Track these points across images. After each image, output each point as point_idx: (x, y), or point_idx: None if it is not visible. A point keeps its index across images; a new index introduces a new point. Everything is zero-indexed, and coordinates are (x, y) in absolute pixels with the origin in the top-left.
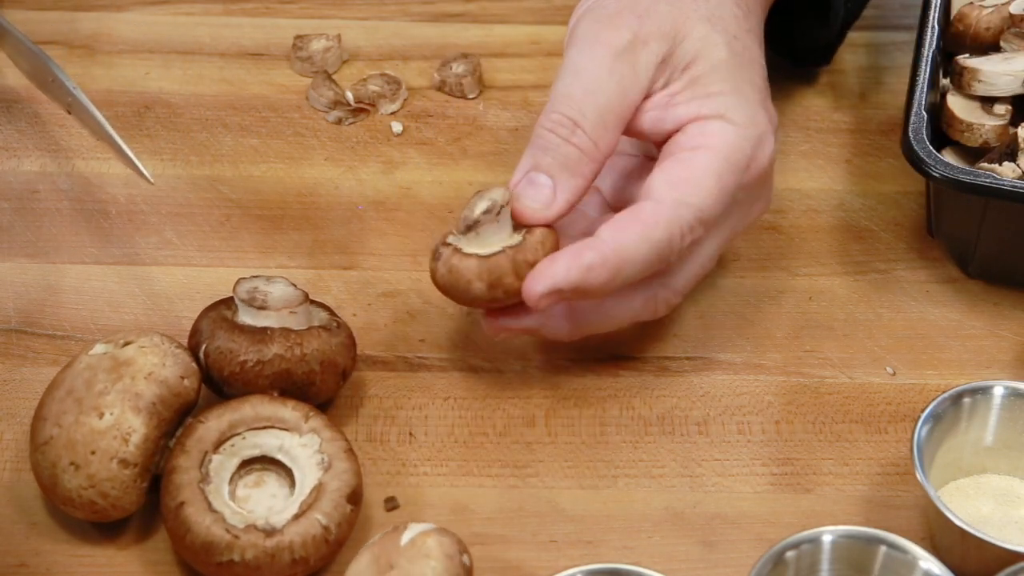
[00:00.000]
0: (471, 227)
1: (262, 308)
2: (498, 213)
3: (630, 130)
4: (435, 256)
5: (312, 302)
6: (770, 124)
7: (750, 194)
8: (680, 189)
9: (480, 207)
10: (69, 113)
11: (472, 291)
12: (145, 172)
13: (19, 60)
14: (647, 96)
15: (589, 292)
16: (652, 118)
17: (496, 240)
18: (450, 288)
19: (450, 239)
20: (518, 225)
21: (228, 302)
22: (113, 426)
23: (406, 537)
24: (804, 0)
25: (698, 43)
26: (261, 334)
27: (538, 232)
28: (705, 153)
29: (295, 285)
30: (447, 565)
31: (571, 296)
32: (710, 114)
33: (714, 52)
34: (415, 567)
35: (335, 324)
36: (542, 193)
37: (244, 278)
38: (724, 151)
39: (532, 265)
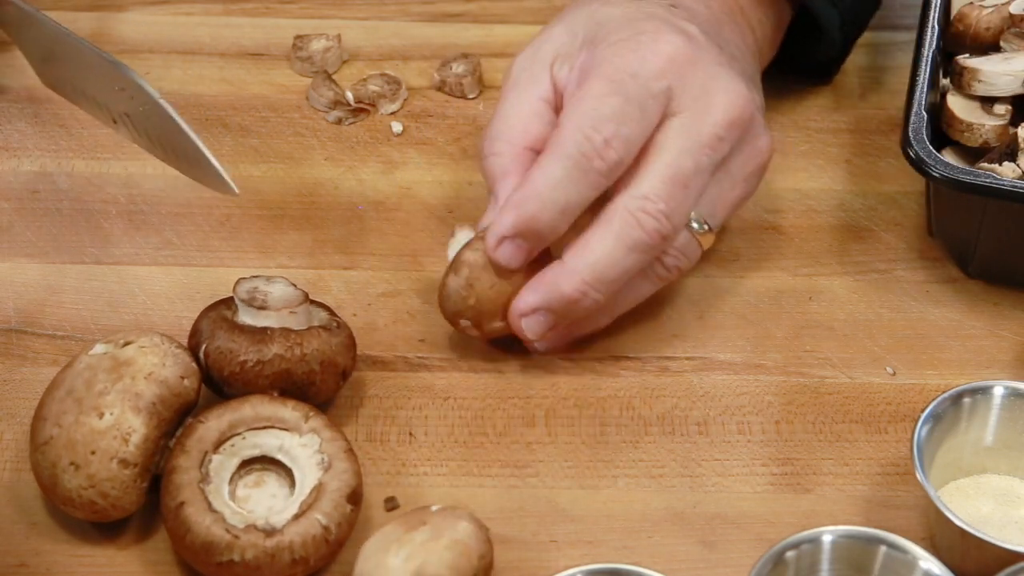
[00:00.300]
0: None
1: (262, 308)
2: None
3: None
4: (447, 285)
5: (312, 302)
6: (666, 24)
7: (685, 83)
8: (572, 105)
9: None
10: (114, 123)
11: (462, 329)
12: (231, 183)
13: (57, 64)
14: (559, 88)
15: (534, 228)
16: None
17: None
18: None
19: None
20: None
21: (228, 302)
22: (113, 426)
23: (435, 507)
24: (799, 22)
25: (584, 20)
26: (261, 334)
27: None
28: (592, 71)
29: (295, 285)
30: (476, 529)
31: (524, 239)
32: (598, 49)
33: (599, 14)
34: (447, 523)
35: (335, 324)
36: (490, 210)
37: (244, 278)
38: (607, 59)
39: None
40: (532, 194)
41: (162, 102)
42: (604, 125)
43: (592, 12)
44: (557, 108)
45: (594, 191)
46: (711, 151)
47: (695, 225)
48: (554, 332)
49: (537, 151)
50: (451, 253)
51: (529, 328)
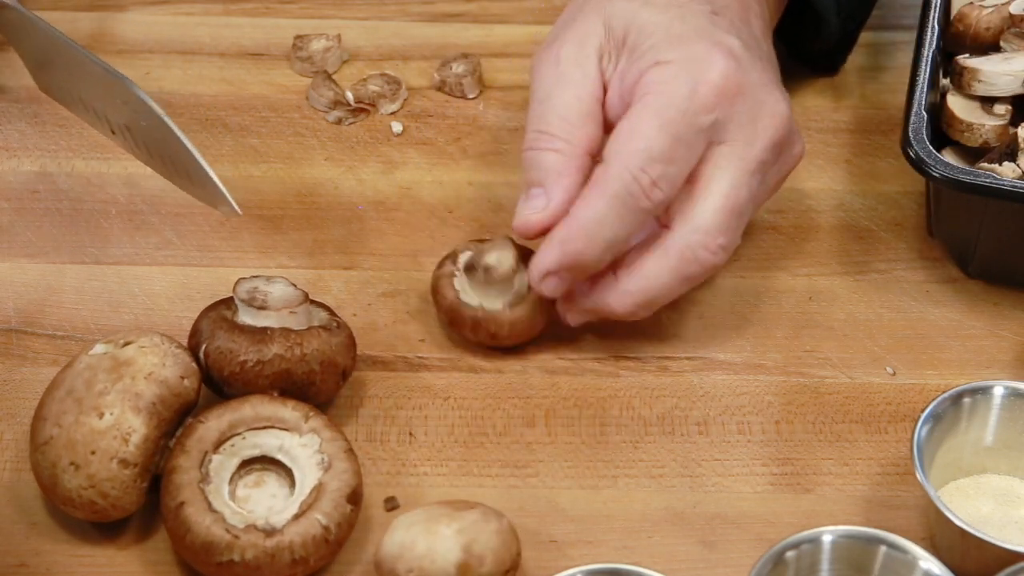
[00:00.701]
0: (484, 280)
1: (262, 308)
2: (514, 274)
3: (612, 124)
4: (441, 286)
5: (312, 302)
6: (715, 46)
7: (733, 112)
8: (622, 141)
9: (503, 264)
10: (113, 133)
11: (465, 335)
12: (233, 203)
13: (53, 71)
14: (606, 87)
15: (579, 264)
16: (616, 104)
17: (500, 297)
18: (448, 322)
19: (457, 275)
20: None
21: (228, 302)
22: (113, 426)
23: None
24: (799, 11)
25: (624, 19)
26: (261, 334)
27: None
28: (641, 100)
29: (295, 285)
30: (513, 529)
31: (568, 272)
32: (645, 67)
33: (641, 17)
34: (493, 515)
35: (335, 324)
36: (537, 202)
37: (244, 278)
38: (657, 89)
39: (526, 322)
40: (579, 232)
41: (166, 119)
42: (652, 167)
43: (633, 11)
44: (603, 104)
45: (639, 227)
46: (759, 174)
47: None
48: (582, 307)
49: (591, 153)
50: (499, 268)
51: (571, 321)
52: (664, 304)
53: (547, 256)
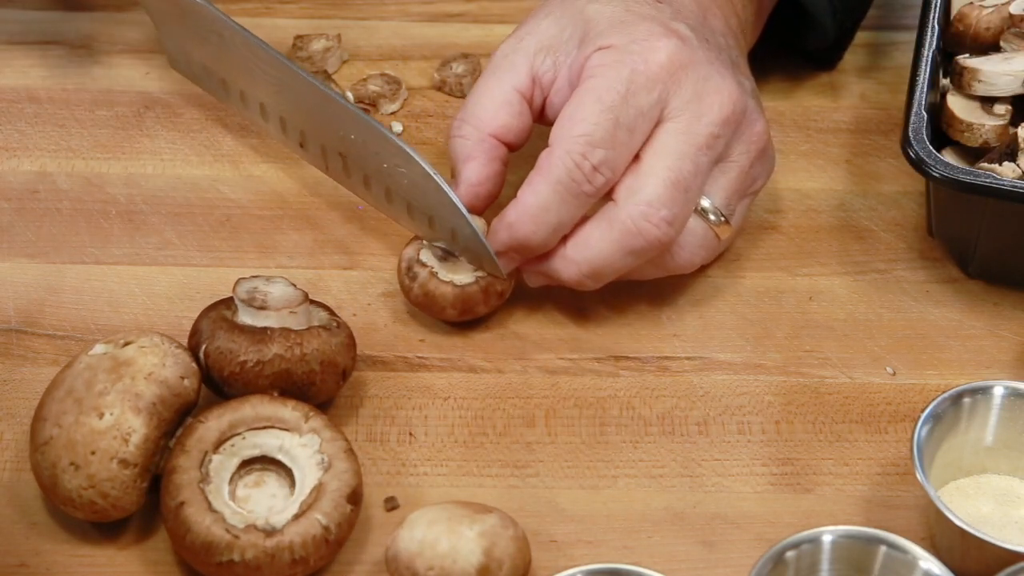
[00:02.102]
0: (448, 255)
1: (262, 308)
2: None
3: (554, 118)
4: (409, 274)
5: (312, 302)
6: (659, 28)
7: (677, 90)
8: (565, 126)
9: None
10: (302, 147)
11: (445, 315)
12: (501, 266)
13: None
14: (536, 79)
15: (526, 246)
16: (564, 91)
17: (469, 268)
18: (423, 307)
19: (423, 257)
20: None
21: (228, 302)
22: (113, 426)
23: None
24: (793, 9)
25: (573, 16)
26: (261, 334)
27: None
28: (584, 83)
29: (295, 285)
30: (526, 536)
31: (520, 251)
32: (589, 52)
33: (588, 11)
34: (510, 521)
35: (335, 324)
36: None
37: (244, 278)
38: (599, 72)
39: (501, 294)
40: (524, 216)
41: (437, 178)
42: (593, 152)
43: (581, 8)
44: (531, 100)
45: (583, 209)
46: (708, 150)
47: (712, 217)
48: (541, 270)
49: (501, 139)
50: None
51: (530, 282)
52: (614, 276)
53: (497, 238)
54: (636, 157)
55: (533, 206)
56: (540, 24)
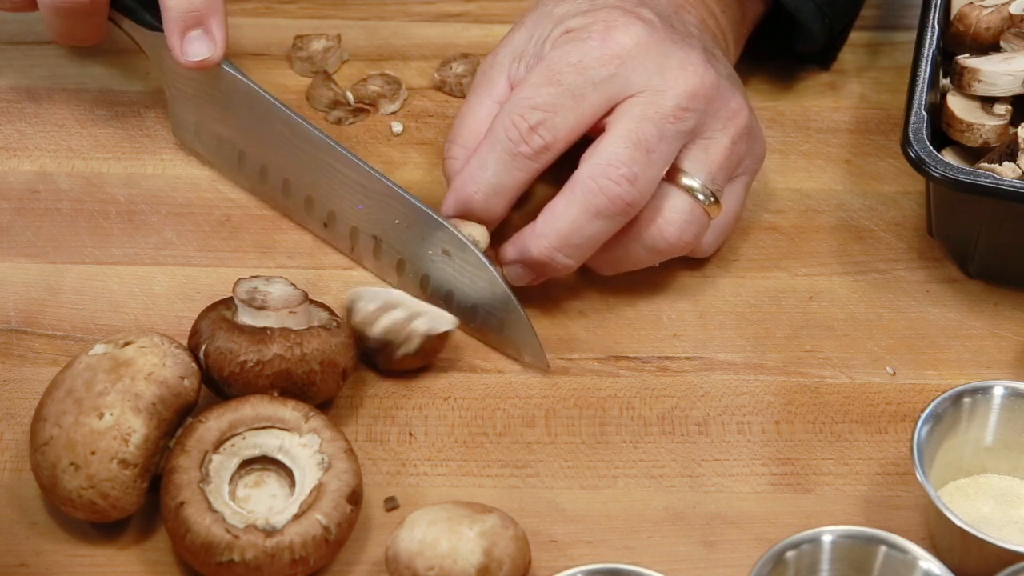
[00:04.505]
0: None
1: (262, 308)
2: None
3: None
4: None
5: (312, 302)
6: (622, 13)
7: (636, 66)
8: (511, 94)
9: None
10: (325, 227)
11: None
12: (547, 358)
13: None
14: (513, 84)
15: (470, 208)
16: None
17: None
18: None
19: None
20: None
21: (228, 302)
22: (113, 426)
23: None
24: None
25: (542, 21)
26: (261, 334)
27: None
28: (539, 61)
29: (295, 285)
30: (525, 536)
31: (468, 215)
32: (554, 36)
33: (556, 12)
34: (510, 521)
35: (335, 324)
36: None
37: (243, 278)
38: (551, 50)
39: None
40: (468, 177)
41: (493, 269)
42: (532, 113)
43: (550, 11)
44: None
45: (525, 174)
46: (675, 120)
47: (700, 196)
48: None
49: None
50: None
51: (512, 277)
52: (589, 246)
53: (446, 204)
54: (598, 129)
55: (474, 166)
56: (513, 36)
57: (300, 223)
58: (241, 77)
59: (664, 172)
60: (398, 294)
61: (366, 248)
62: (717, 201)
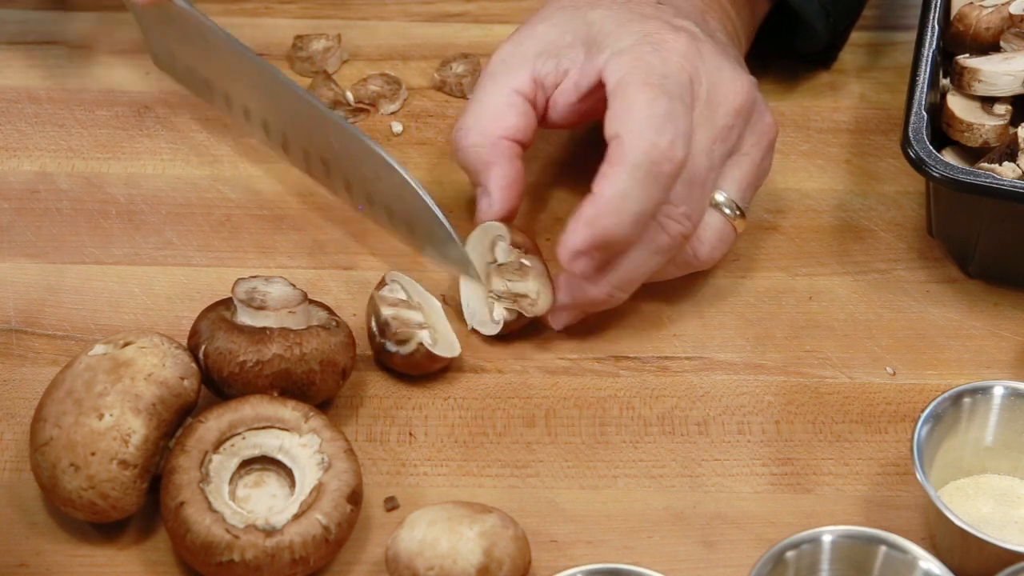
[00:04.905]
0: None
1: (261, 308)
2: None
3: (557, 120)
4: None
5: (311, 302)
6: (665, 25)
7: (693, 77)
8: (622, 117)
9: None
10: (284, 150)
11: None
12: (480, 273)
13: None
14: (539, 81)
15: (609, 240)
16: (571, 92)
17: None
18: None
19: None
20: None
21: (227, 303)
22: (113, 427)
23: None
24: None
25: (574, 22)
26: (260, 334)
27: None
28: (618, 83)
29: (294, 285)
30: (525, 536)
31: (600, 249)
32: (608, 56)
33: (590, 16)
34: (510, 521)
35: (334, 323)
36: (482, 202)
37: (242, 278)
38: (629, 67)
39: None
40: (606, 209)
41: (414, 183)
42: (664, 128)
43: (580, 13)
44: (534, 101)
45: (665, 194)
46: (723, 142)
47: (727, 211)
48: (570, 307)
49: (512, 139)
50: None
51: (561, 323)
52: (642, 280)
53: (576, 236)
54: None
55: (613, 197)
56: (537, 29)
57: (267, 148)
58: (189, 8)
59: (711, 196)
60: (432, 301)
61: (319, 170)
62: (743, 215)
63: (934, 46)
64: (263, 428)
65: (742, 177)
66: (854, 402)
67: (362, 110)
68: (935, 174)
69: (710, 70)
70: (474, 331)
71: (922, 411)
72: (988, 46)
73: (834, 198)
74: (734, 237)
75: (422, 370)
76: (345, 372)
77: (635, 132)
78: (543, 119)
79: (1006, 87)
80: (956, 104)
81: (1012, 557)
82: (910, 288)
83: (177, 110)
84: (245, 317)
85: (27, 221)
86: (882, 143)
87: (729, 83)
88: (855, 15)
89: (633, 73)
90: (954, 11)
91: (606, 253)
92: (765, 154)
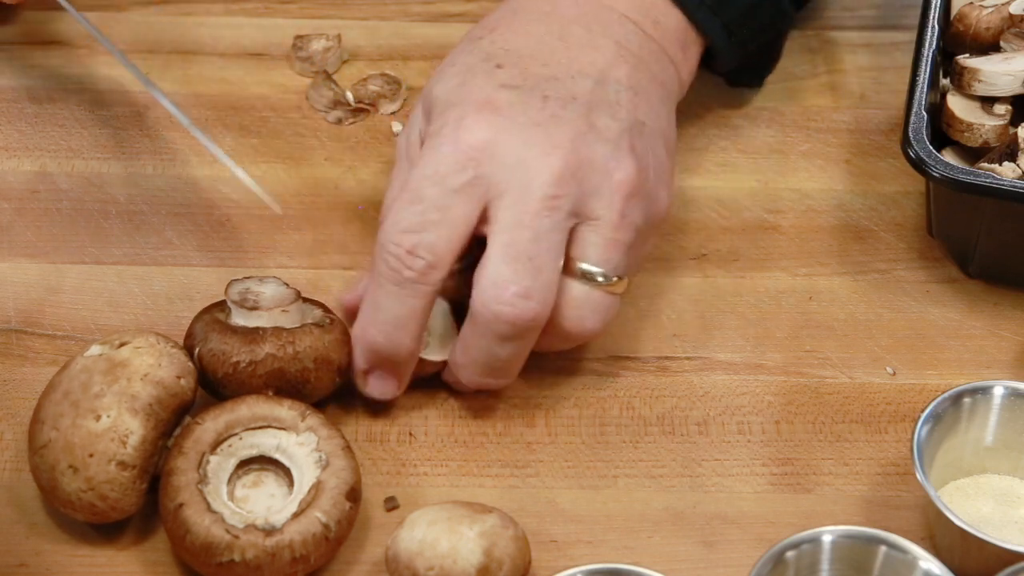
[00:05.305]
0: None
1: (254, 308)
2: None
3: None
4: None
5: (306, 300)
6: (470, 107)
7: (495, 164)
8: (381, 220)
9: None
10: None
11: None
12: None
13: None
14: None
15: (383, 352)
16: None
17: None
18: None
19: None
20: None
21: (221, 305)
22: (110, 428)
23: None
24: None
25: (428, 97)
26: (253, 334)
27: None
28: (396, 177)
29: (287, 284)
30: (525, 536)
31: (383, 366)
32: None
33: (434, 92)
34: (510, 521)
35: (328, 321)
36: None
37: (235, 280)
38: (415, 162)
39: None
40: (365, 321)
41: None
42: (403, 237)
43: (430, 88)
44: None
45: (420, 300)
46: (549, 212)
47: (600, 279)
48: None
49: None
50: None
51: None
52: (516, 363)
53: (357, 357)
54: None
55: (367, 307)
56: (416, 112)
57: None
58: None
59: (559, 264)
60: (440, 312)
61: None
62: (621, 278)
63: (934, 46)
64: (260, 428)
65: (600, 241)
66: (854, 402)
67: (362, 110)
68: (935, 174)
69: (515, 147)
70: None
71: (922, 411)
72: (988, 46)
73: (834, 198)
74: (609, 302)
75: (415, 375)
76: (341, 369)
77: (380, 240)
78: None
79: (1006, 87)
80: (956, 104)
81: (1012, 557)
82: (910, 288)
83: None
84: (239, 318)
85: (27, 221)
86: (882, 143)
87: (541, 156)
88: (766, 36)
89: (411, 169)
90: (954, 11)
91: (393, 368)
92: (623, 211)
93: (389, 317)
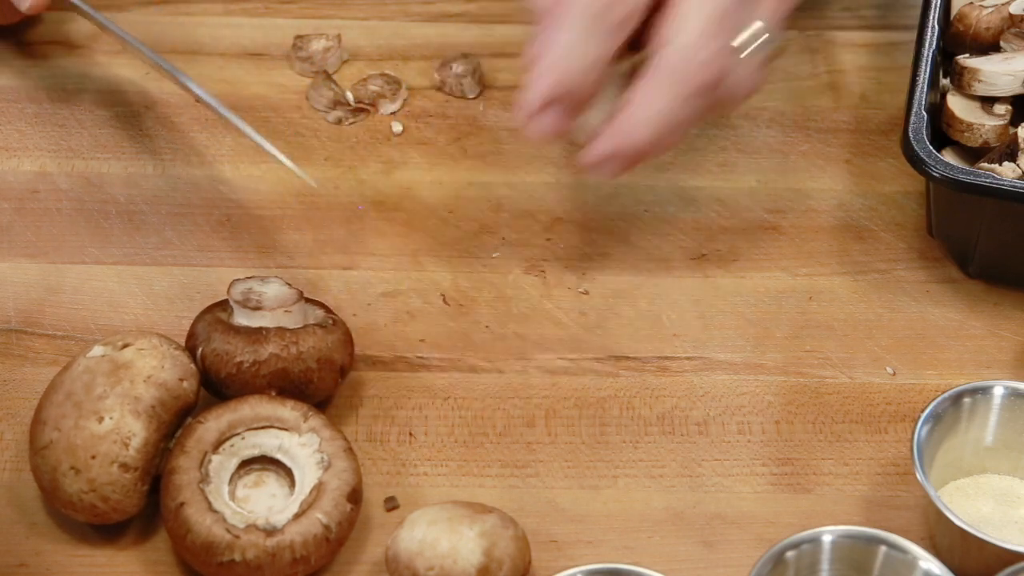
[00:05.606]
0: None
1: (257, 309)
2: None
3: None
4: None
5: (308, 300)
6: None
7: None
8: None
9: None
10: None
11: None
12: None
13: None
14: None
15: (565, 86)
16: None
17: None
18: None
19: None
20: None
21: (224, 304)
22: (113, 430)
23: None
24: None
25: None
26: (256, 334)
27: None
28: None
29: (290, 284)
30: (525, 536)
31: (559, 102)
32: None
33: None
34: (510, 521)
35: (331, 321)
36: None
37: (238, 279)
38: None
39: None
40: (554, 58)
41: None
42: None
43: None
44: None
45: (613, 42)
46: None
47: (767, 36)
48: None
49: None
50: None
51: (594, 168)
52: (683, 127)
53: (534, 90)
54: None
55: (559, 46)
56: None
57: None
58: None
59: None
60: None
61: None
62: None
63: (934, 46)
64: (262, 428)
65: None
66: (854, 402)
67: (362, 110)
68: (935, 174)
69: None
70: None
71: (922, 411)
72: (988, 46)
73: (834, 198)
74: (767, 67)
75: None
76: (343, 370)
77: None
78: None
79: (1006, 87)
80: (956, 104)
81: (1012, 557)
82: (910, 288)
83: (177, 110)
84: (241, 318)
85: (27, 221)
86: (882, 143)
87: None
88: None
89: None
90: (954, 11)
91: (569, 104)
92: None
93: (581, 53)
